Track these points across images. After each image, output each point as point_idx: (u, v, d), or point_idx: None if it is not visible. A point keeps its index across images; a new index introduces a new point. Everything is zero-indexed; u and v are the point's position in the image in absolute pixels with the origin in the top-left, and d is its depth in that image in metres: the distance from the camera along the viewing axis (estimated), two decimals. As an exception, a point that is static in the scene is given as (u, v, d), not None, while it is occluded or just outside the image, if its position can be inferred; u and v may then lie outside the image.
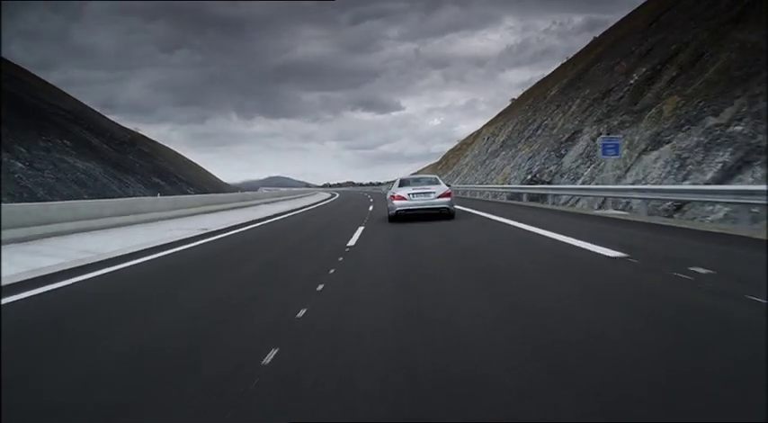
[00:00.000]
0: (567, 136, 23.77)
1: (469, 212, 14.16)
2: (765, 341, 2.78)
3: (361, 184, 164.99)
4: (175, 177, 46.91)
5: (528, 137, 34.07)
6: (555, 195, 18.39)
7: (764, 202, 7.60)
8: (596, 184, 17.09)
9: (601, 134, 19.85)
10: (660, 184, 14.21)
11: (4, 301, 4.83)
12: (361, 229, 10.92)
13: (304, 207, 24.63)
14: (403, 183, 12.92)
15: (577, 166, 19.91)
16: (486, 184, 32.80)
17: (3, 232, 8.97)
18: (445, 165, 59.96)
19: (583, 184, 18.36)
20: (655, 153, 15.66)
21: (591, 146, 19.72)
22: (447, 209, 11.95)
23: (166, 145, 73.09)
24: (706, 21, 19.58)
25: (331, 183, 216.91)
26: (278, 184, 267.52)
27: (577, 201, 17.49)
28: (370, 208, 19.85)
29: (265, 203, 28.40)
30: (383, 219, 13.04)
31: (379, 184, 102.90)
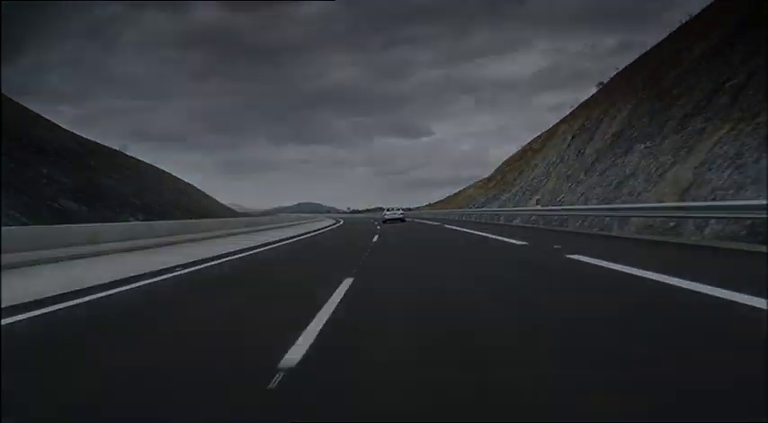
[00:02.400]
0: None
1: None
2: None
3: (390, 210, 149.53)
4: (122, 200, 33.09)
5: (697, 114, 18.56)
6: None
7: None
8: None
9: None
10: None
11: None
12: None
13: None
14: (388, 209, 42.43)
15: None
16: (618, 202, 17.42)
17: None
18: (502, 181, 44.23)
19: None
20: None
21: None
22: (402, 218, 39.00)
23: (167, 170, 60.01)
24: None
25: (360, 209, 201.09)
26: (310, 210, 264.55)
27: None
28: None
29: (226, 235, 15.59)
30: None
31: (409, 209, 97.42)
